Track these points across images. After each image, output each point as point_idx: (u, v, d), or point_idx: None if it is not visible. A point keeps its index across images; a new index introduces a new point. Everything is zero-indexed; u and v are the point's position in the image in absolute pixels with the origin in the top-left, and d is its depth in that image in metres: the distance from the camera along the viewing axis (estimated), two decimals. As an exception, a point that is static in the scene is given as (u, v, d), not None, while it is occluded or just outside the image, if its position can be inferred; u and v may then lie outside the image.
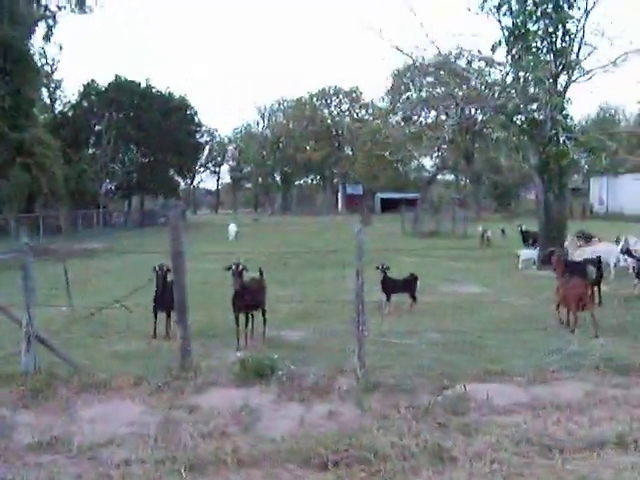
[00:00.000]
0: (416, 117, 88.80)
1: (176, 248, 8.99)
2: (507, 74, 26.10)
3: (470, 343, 12.01)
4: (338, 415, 7.59)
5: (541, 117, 24.15)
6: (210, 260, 21.28)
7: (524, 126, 24.73)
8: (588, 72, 24.55)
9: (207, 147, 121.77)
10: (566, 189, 26.80)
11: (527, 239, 30.59)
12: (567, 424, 7.22)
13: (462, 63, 31.50)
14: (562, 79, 24.82)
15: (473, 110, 76.47)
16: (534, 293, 18.02)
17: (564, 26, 24.49)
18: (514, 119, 25.14)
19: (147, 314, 14.04)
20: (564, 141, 22.51)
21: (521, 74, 24.49)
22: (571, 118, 24.90)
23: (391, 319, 14.83)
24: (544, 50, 24.67)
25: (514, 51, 25.13)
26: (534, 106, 24.48)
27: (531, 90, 24.26)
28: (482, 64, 30.02)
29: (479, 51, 26.85)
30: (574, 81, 24.56)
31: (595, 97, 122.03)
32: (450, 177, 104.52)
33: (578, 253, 20.25)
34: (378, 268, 16.07)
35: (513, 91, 25.41)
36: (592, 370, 9.30)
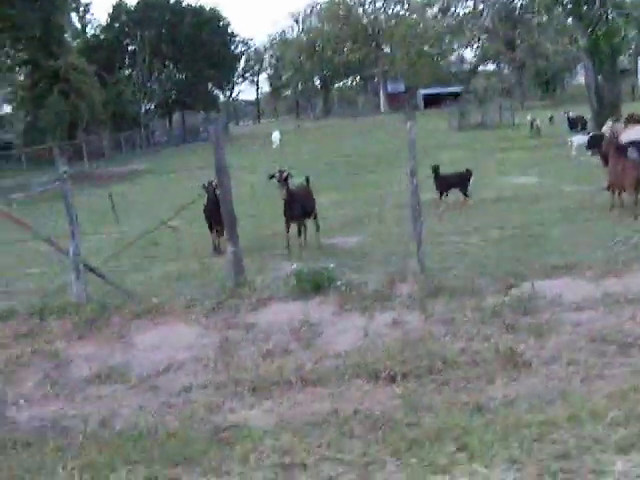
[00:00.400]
0: (453, 8, 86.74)
1: (220, 163, 8.60)
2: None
3: (533, 237, 11.41)
4: (402, 323, 7.24)
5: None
6: (256, 171, 20.96)
7: (570, 6, 23.54)
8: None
9: (243, 57, 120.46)
10: (617, 70, 25.58)
11: (575, 125, 29.77)
12: (643, 319, 6.80)
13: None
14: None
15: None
16: (591, 180, 17.36)
17: None
18: (559, -1, 23.96)
19: (197, 233, 13.82)
20: (614, 18, 21.40)
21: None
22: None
23: (448, 217, 14.33)
24: None
25: None
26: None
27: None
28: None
29: None
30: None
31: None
32: (492, 67, 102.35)
33: (623, 136, 19.39)
34: (435, 170, 15.70)
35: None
36: (664, 258, 8.82)
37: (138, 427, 5.43)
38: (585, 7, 23.03)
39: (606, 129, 21.24)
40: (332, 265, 8.93)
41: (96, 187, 22.35)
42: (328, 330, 7.27)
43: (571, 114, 31.94)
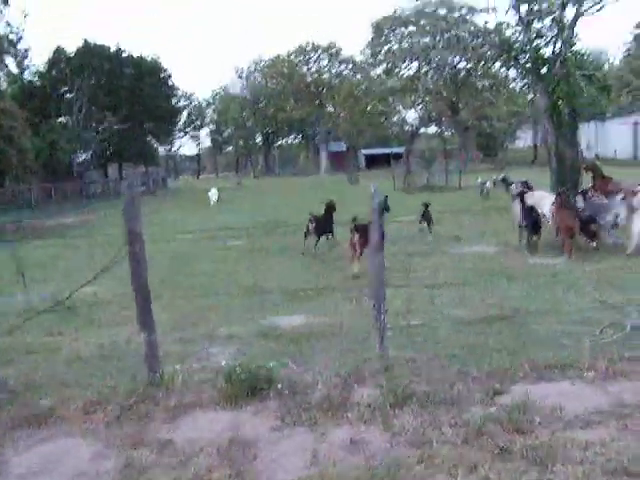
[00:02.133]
0: (397, 70, 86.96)
1: (132, 228, 6.71)
2: (507, 11, 23.76)
3: (506, 320, 9.59)
4: (362, 443, 5.54)
5: (549, 54, 21.94)
6: (188, 230, 19.20)
7: (528, 65, 22.55)
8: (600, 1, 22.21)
9: (185, 111, 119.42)
10: (577, 132, 24.24)
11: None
12: (670, 439, 5.19)
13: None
14: (569, 12, 22.53)
15: (457, 59, 74.77)
16: (560, 252, 16.01)
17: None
18: (518, 57, 22.93)
19: (118, 300, 11.90)
20: (576, 79, 20.37)
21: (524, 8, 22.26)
22: (584, 54, 22.75)
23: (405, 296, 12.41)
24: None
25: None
26: (540, 42, 22.28)
27: (536, 25, 22.12)
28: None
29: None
30: (583, 13, 22.13)
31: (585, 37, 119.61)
32: (433, 130, 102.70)
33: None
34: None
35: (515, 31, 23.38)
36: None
37: None
38: (545, 67, 22.05)
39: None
40: (273, 363, 7.09)
41: (18, 241, 20.28)
42: (265, 452, 5.53)
43: (503, 176, 33.51)
